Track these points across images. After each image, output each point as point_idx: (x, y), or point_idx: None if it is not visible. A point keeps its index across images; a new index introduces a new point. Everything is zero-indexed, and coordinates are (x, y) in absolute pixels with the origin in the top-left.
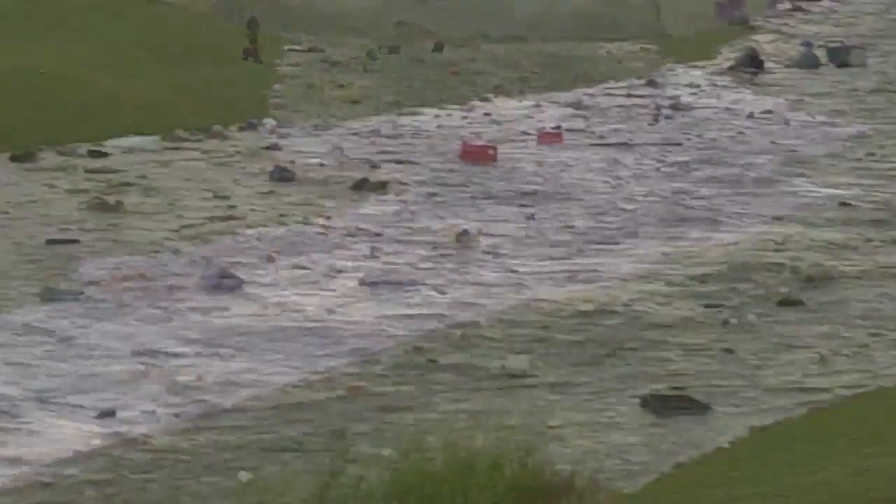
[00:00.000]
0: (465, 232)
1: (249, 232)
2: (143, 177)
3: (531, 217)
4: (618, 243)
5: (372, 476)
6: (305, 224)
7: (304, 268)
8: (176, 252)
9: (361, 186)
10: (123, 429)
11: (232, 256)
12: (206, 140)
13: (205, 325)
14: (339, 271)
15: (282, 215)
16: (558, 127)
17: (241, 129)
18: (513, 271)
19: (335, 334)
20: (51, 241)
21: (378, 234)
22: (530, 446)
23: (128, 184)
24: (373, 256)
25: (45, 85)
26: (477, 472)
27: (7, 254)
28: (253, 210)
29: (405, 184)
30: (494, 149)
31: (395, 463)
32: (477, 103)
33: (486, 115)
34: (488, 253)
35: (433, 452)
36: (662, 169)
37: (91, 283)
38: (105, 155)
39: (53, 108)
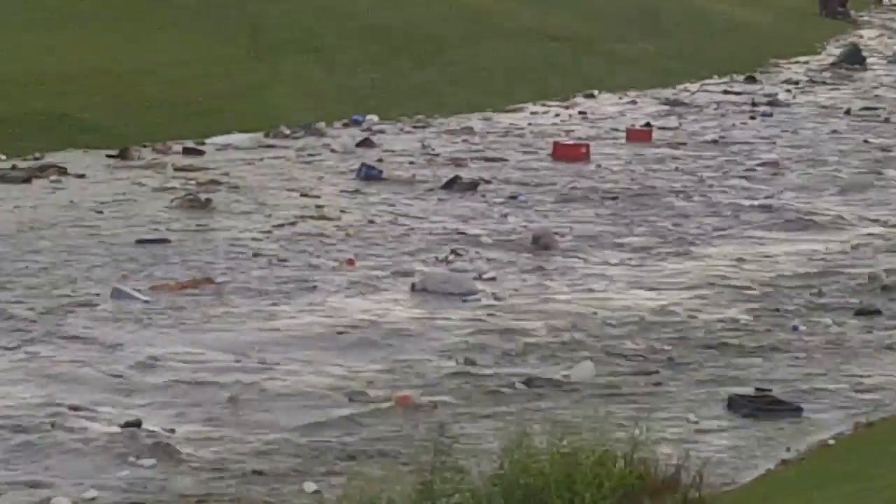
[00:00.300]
0: (540, 235)
1: (334, 233)
2: (234, 175)
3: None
4: (696, 246)
5: (473, 472)
6: (392, 224)
7: (378, 271)
8: (256, 254)
9: (451, 186)
10: (149, 441)
11: (314, 258)
12: (304, 137)
13: (254, 332)
14: (408, 275)
15: (367, 215)
16: (648, 124)
17: (345, 125)
18: (585, 275)
19: (387, 342)
20: (140, 241)
21: (462, 234)
22: (635, 443)
23: (216, 182)
24: (446, 261)
25: (148, 82)
26: (582, 468)
27: (93, 255)
28: (340, 210)
29: (492, 183)
30: (587, 147)
31: (500, 458)
32: (578, 100)
33: (581, 112)
34: (560, 256)
35: (536, 449)
36: (750, 169)
37: (155, 287)
38: (201, 153)
39: (157, 104)
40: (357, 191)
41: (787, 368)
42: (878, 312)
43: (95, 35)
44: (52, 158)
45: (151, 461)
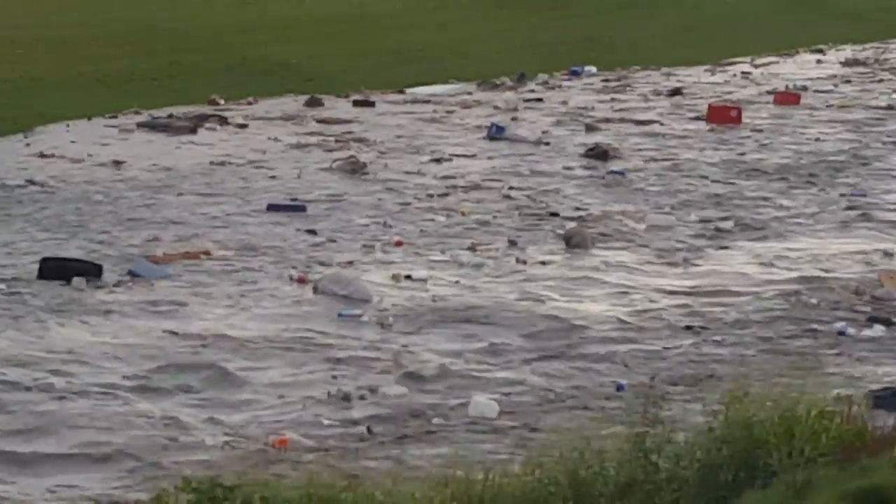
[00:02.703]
0: (572, 234)
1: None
2: (375, 133)
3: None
4: (762, 236)
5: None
6: (491, 201)
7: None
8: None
9: (591, 153)
10: None
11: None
12: (503, 88)
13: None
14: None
15: (485, 185)
16: (804, 88)
17: (564, 76)
18: (553, 284)
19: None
20: (272, 207)
21: (555, 216)
22: (852, 400)
23: (356, 140)
24: (471, 248)
25: (371, 30)
26: (802, 422)
27: (205, 219)
28: (463, 181)
29: (621, 152)
30: (739, 110)
31: (718, 412)
32: (762, 59)
33: (745, 73)
34: (575, 257)
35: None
36: (878, 142)
37: (149, 256)
38: (371, 104)
39: (379, 52)
40: (475, 155)
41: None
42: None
43: None
44: (262, 104)
45: None
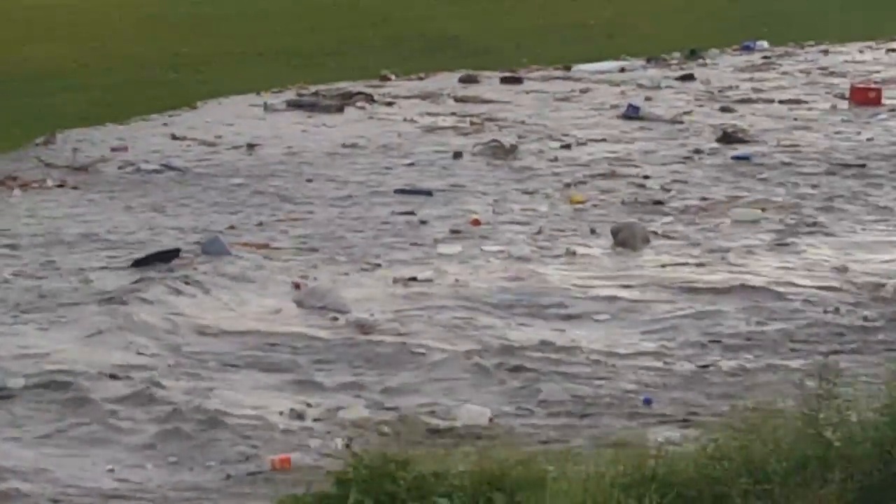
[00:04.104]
0: (618, 230)
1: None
2: (509, 112)
3: None
4: (842, 234)
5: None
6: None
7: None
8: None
9: (722, 136)
10: None
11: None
12: (662, 65)
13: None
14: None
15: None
16: None
17: (736, 51)
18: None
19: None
20: (399, 191)
21: (660, 203)
22: None
23: (490, 119)
24: (534, 238)
25: (544, 5)
26: None
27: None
28: (588, 162)
29: (759, 137)
30: (878, 91)
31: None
32: None
33: (892, 51)
34: (613, 254)
35: None
36: None
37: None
38: (519, 81)
39: (550, 30)
40: (606, 138)
41: None
42: None
43: None
44: (431, 79)
45: None
